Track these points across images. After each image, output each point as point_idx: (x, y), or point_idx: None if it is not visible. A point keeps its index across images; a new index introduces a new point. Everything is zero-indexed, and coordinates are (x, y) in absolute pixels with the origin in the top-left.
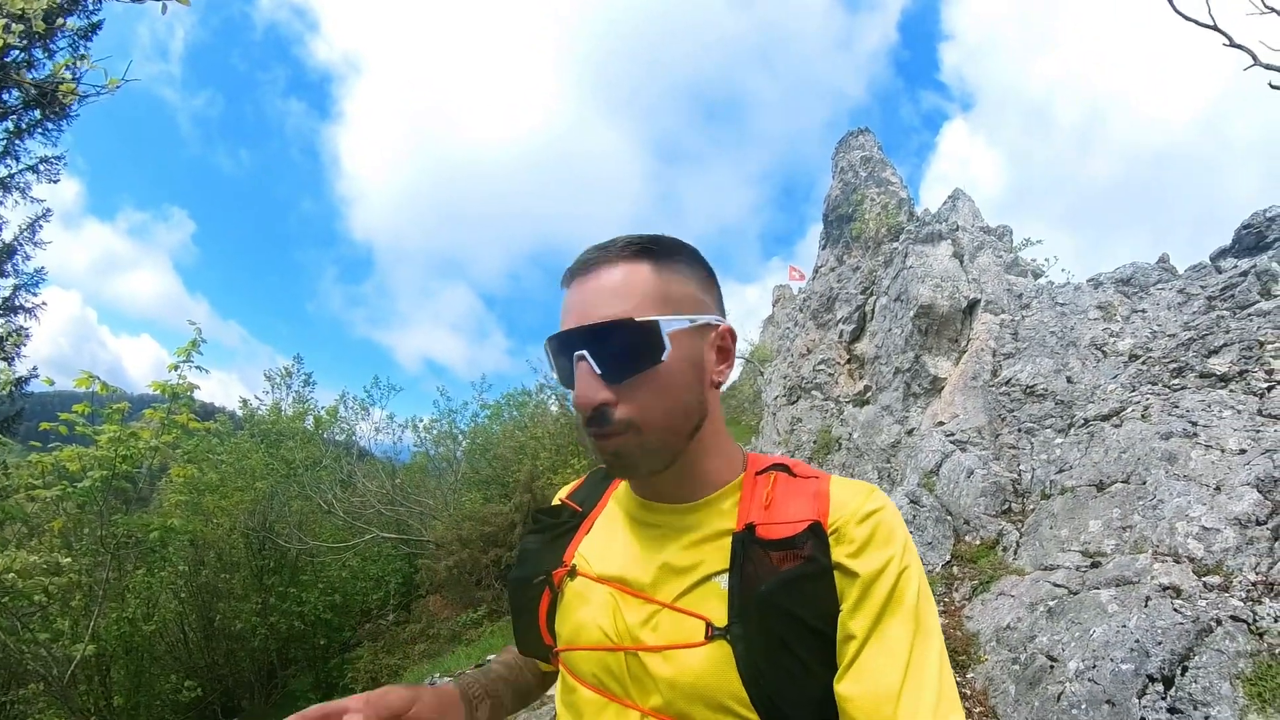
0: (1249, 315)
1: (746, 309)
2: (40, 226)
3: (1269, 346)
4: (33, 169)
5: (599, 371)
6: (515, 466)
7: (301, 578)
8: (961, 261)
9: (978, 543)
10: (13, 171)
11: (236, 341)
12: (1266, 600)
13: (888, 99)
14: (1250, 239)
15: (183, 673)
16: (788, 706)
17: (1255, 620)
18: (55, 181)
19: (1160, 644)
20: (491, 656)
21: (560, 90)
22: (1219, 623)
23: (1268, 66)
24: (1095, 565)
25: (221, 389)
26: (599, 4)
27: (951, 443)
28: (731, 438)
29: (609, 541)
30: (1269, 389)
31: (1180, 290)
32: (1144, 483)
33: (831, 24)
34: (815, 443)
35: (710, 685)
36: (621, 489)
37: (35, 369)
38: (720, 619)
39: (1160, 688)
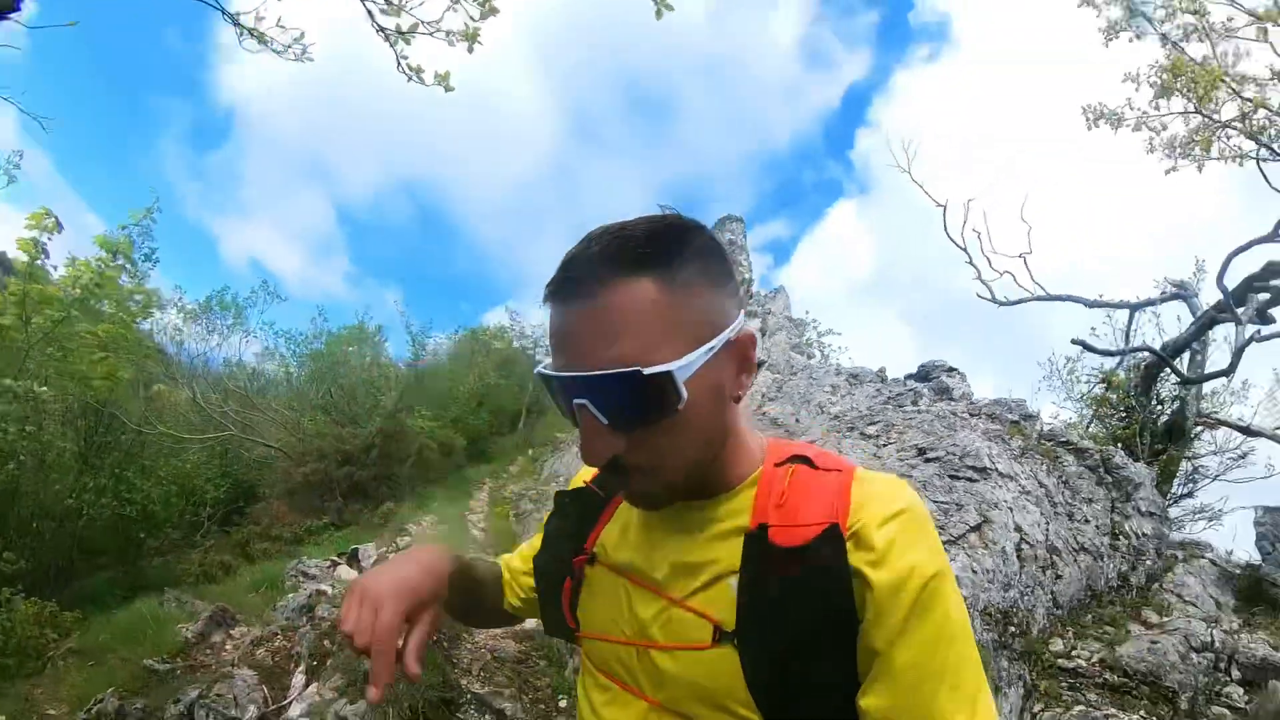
0: (898, 408)
1: None
2: None
3: (896, 426)
4: None
5: (605, 422)
6: (364, 398)
7: (142, 463)
8: (763, 336)
9: None
10: None
11: (42, 178)
12: None
13: (804, 158)
14: (923, 373)
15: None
16: (796, 715)
17: None
18: None
19: None
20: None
21: (486, 25)
22: None
23: (983, 281)
24: None
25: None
26: None
27: None
28: (749, 428)
29: (627, 531)
30: (884, 445)
31: (878, 389)
32: None
33: (787, 71)
34: None
35: (715, 688)
36: None
37: None
38: (729, 622)
39: None
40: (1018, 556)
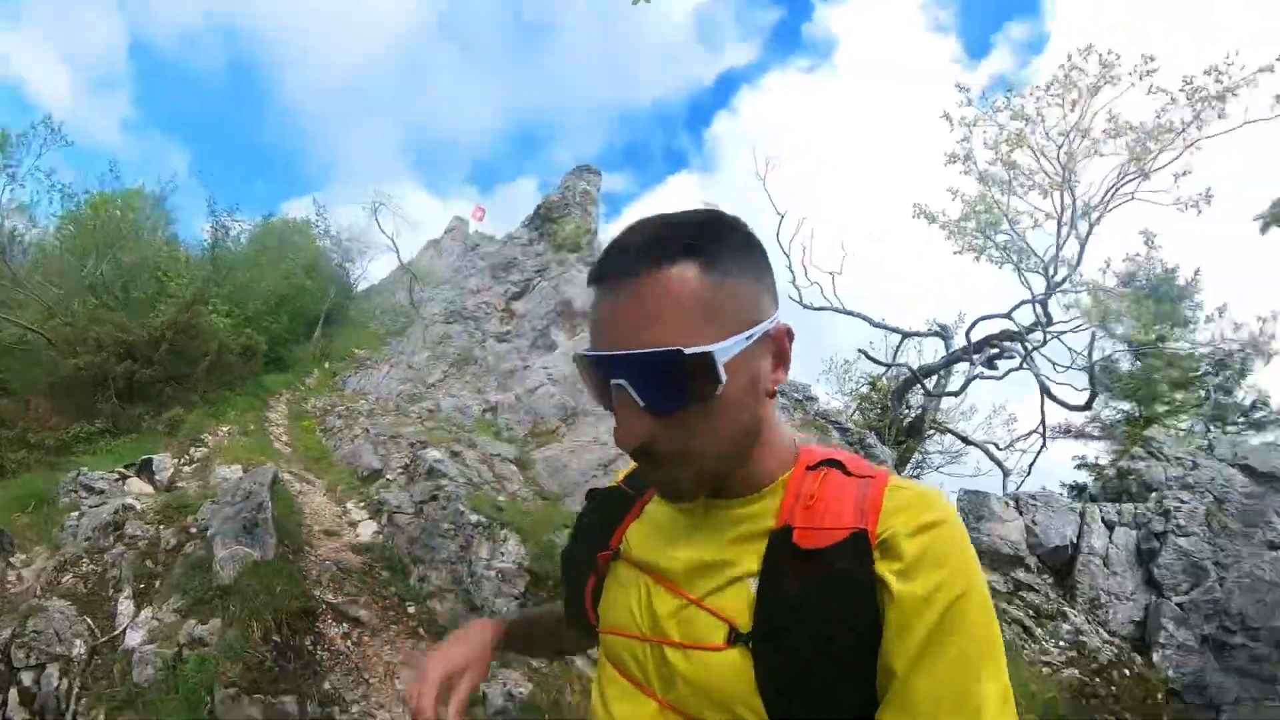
0: None
1: (419, 217)
2: None
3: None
4: None
5: (642, 404)
6: (146, 282)
7: None
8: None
9: (545, 430)
10: None
11: None
12: None
13: (661, 122)
14: None
15: None
16: None
17: None
18: None
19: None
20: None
21: None
22: None
23: (796, 286)
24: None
25: None
26: None
27: (547, 377)
28: (784, 429)
29: (653, 528)
30: None
31: None
32: None
33: (674, 35)
34: (458, 355)
35: (726, 690)
36: None
37: None
38: (745, 624)
39: None
40: None
